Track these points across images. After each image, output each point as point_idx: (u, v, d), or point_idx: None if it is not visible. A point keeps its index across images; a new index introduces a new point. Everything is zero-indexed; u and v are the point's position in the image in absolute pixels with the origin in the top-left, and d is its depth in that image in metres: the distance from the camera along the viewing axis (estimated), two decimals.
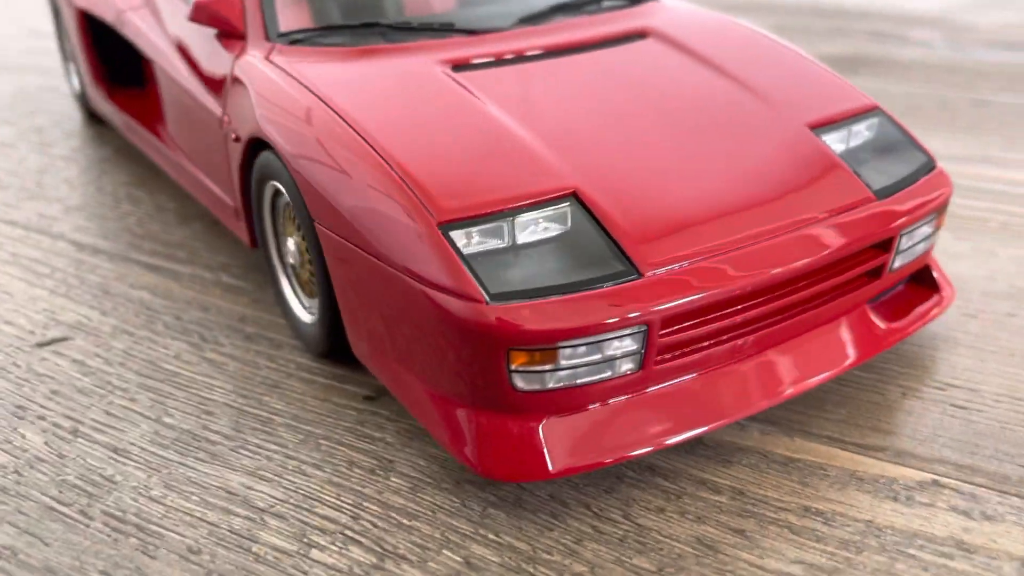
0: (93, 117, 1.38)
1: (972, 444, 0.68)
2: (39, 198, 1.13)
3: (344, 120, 0.70)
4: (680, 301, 0.60)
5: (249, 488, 0.65)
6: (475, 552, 0.59)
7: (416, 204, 0.62)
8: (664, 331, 0.61)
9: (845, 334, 0.73)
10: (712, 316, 0.63)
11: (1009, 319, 0.83)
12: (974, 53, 1.71)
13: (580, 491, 0.64)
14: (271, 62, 0.80)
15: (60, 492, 0.65)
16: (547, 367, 0.59)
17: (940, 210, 0.74)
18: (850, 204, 0.70)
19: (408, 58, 0.80)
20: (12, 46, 1.80)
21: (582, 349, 0.59)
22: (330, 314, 0.74)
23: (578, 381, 0.60)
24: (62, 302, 0.89)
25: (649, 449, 0.62)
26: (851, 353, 0.72)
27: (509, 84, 0.77)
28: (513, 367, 0.59)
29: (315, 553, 0.59)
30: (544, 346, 0.58)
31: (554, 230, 0.63)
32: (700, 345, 0.64)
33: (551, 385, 0.60)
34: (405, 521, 0.62)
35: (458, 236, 0.61)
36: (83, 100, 1.36)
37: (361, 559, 0.59)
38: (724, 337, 0.65)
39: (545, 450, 0.61)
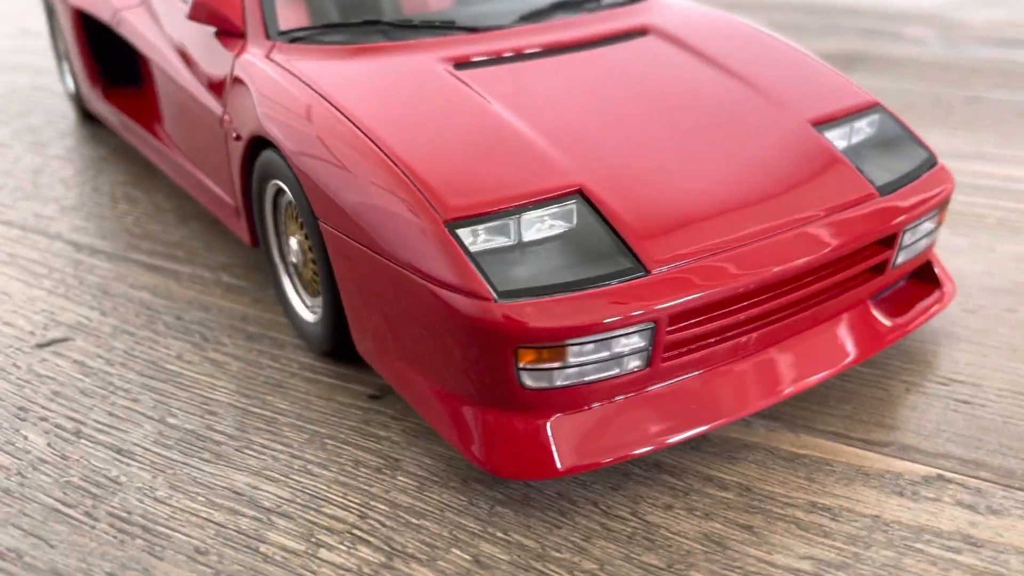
0: (88, 117, 1.37)
1: (976, 439, 0.68)
2: (35, 198, 1.12)
3: (347, 118, 0.70)
4: (687, 298, 0.60)
5: (255, 488, 0.65)
6: (484, 550, 0.59)
7: (421, 201, 0.62)
8: (671, 328, 0.61)
9: (848, 331, 0.73)
10: (719, 312, 0.63)
11: (1009, 314, 0.84)
12: (967, 50, 1.71)
13: (588, 488, 0.64)
14: (272, 60, 0.80)
15: (64, 494, 0.64)
16: (555, 364, 0.59)
17: (942, 206, 0.74)
18: (854, 200, 0.70)
19: (409, 56, 0.79)
20: (3, 45, 1.79)
21: (590, 346, 0.59)
22: (334, 312, 0.73)
23: (586, 378, 0.60)
24: (61, 302, 0.89)
25: (656, 447, 0.62)
26: (854, 350, 0.72)
27: (511, 81, 0.77)
28: (521, 365, 0.59)
29: (323, 553, 0.59)
30: (552, 343, 0.58)
31: (560, 227, 0.63)
32: (706, 341, 0.64)
33: (559, 382, 0.60)
34: (413, 520, 0.62)
35: (465, 234, 0.61)
36: (78, 100, 1.35)
37: (370, 558, 0.59)
38: (730, 333, 0.65)
39: (553, 447, 0.61)
